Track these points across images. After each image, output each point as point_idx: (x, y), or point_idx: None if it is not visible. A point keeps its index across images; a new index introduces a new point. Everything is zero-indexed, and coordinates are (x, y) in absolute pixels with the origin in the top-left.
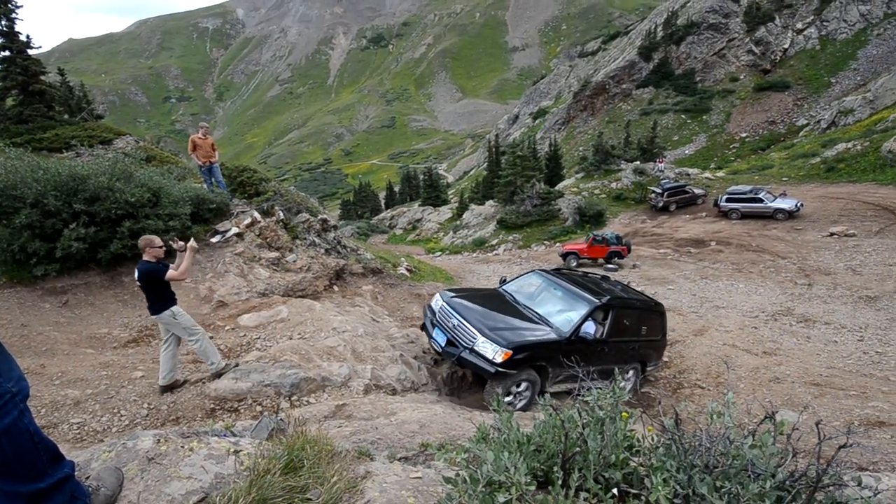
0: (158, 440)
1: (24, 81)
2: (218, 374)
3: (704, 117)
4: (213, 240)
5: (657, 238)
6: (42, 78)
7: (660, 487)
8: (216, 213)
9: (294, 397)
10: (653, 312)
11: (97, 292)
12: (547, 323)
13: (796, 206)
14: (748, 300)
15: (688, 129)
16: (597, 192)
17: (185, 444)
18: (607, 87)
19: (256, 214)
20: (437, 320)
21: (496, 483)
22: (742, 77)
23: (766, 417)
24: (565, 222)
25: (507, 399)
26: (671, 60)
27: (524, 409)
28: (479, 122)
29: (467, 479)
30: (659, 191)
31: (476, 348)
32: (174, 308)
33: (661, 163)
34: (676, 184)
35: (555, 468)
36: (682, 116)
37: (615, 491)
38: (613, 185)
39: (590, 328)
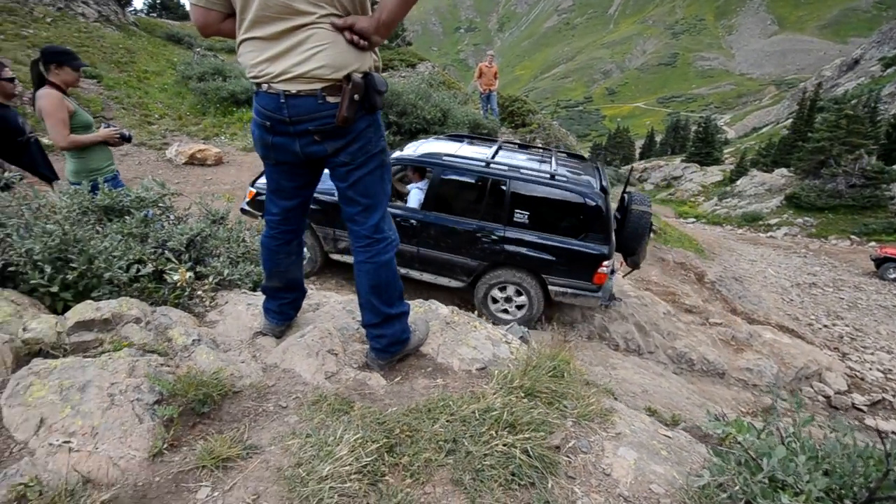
0: (452, 311)
1: None
2: None
3: None
4: None
5: None
6: None
7: None
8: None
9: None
10: (565, 200)
11: None
12: None
13: None
14: None
15: None
16: None
17: (470, 321)
18: None
19: None
20: None
21: (779, 482)
22: None
23: None
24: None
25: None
26: None
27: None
28: (793, 66)
29: (742, 462)
30: None
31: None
32: None
33: None
34: None
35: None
36: None
37: None
38: None
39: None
